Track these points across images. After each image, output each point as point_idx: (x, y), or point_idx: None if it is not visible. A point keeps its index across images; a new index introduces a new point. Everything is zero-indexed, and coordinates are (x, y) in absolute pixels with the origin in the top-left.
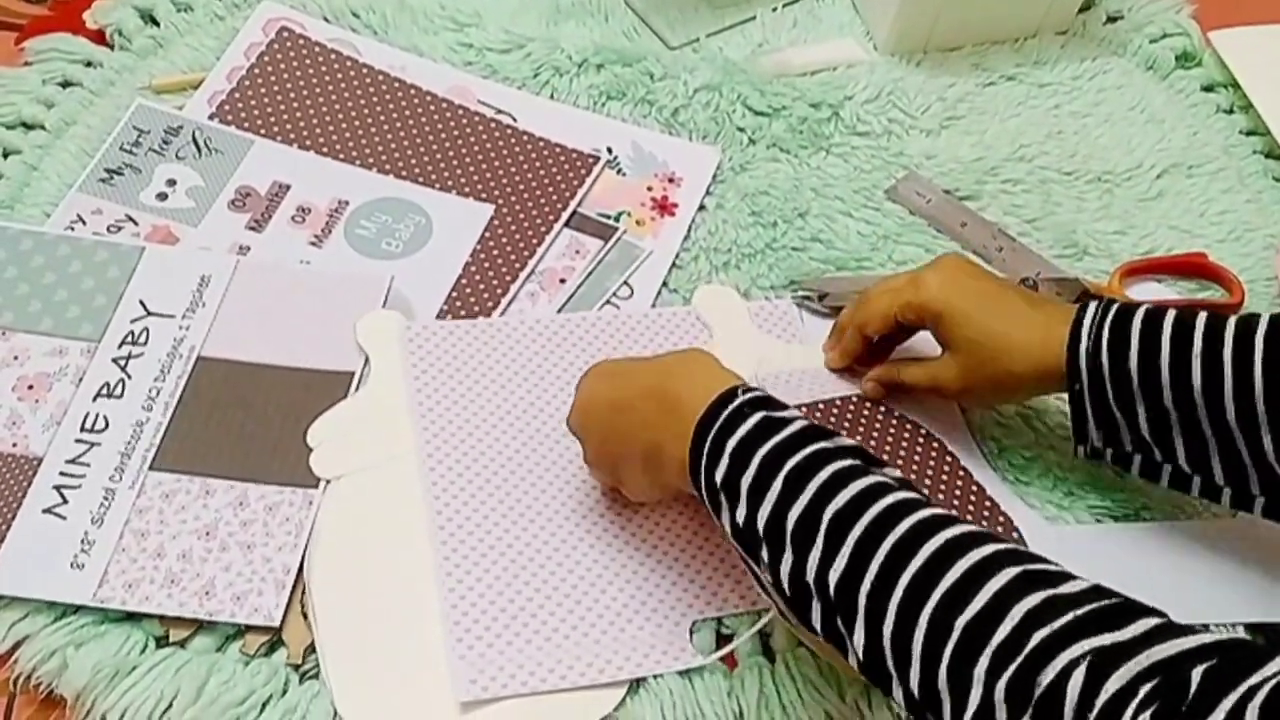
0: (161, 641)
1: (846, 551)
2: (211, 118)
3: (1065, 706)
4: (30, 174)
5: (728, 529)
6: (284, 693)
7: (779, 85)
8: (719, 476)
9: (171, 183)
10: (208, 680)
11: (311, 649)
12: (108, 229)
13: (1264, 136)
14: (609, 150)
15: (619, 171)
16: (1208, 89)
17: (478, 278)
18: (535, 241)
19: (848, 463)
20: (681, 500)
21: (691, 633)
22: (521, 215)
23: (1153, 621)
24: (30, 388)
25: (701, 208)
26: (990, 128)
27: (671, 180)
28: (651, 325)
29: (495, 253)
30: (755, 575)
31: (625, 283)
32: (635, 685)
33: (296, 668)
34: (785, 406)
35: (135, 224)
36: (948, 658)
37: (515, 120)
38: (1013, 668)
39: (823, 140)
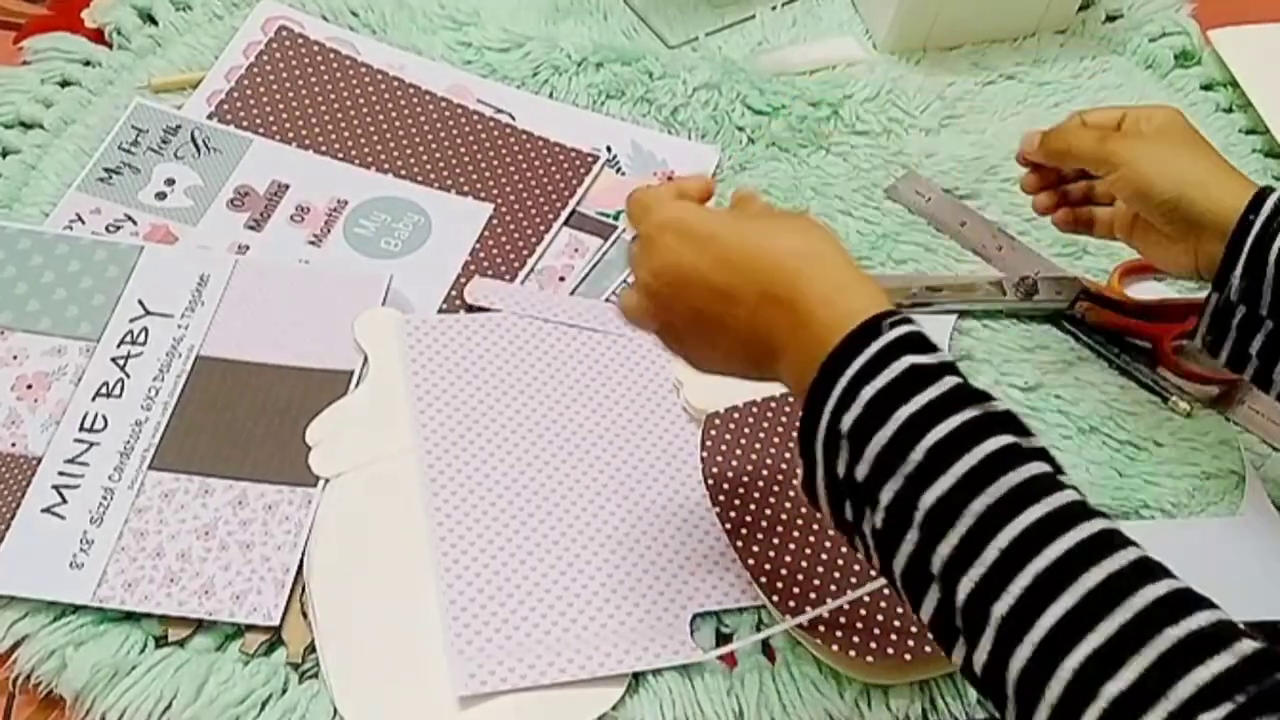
0: (161, 641)
1: (989, 559)
2: (210, 117)
3: None
4: (29, 173)
5: (838, 474)
6: (284, 692)
7: (778, 84)
8: (845, 424)
9: (170, 182)
10: (207, 680)
11: (311, 648)
12: (106, 228)
13: (1263, 135)
14: (608, 149)
15: (618, 170)
16: (1207, 88)
17: (477, 276)
18: (534, 240)
19: (1001, 442)
20: (682, 494)
21: (692, 629)
22: (520, 214)
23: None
24: (29, 387)
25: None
26: (990, 126)
27: (671, 179)
28: None
29: (494, 251)
30: (846, 529)
31: (625, 281)
32: (635, 683)
33: (296, 667)
34: (934, 347)
35: (134, 223)
36: None
37: (514, 119)
38: None
39: (822, 139)
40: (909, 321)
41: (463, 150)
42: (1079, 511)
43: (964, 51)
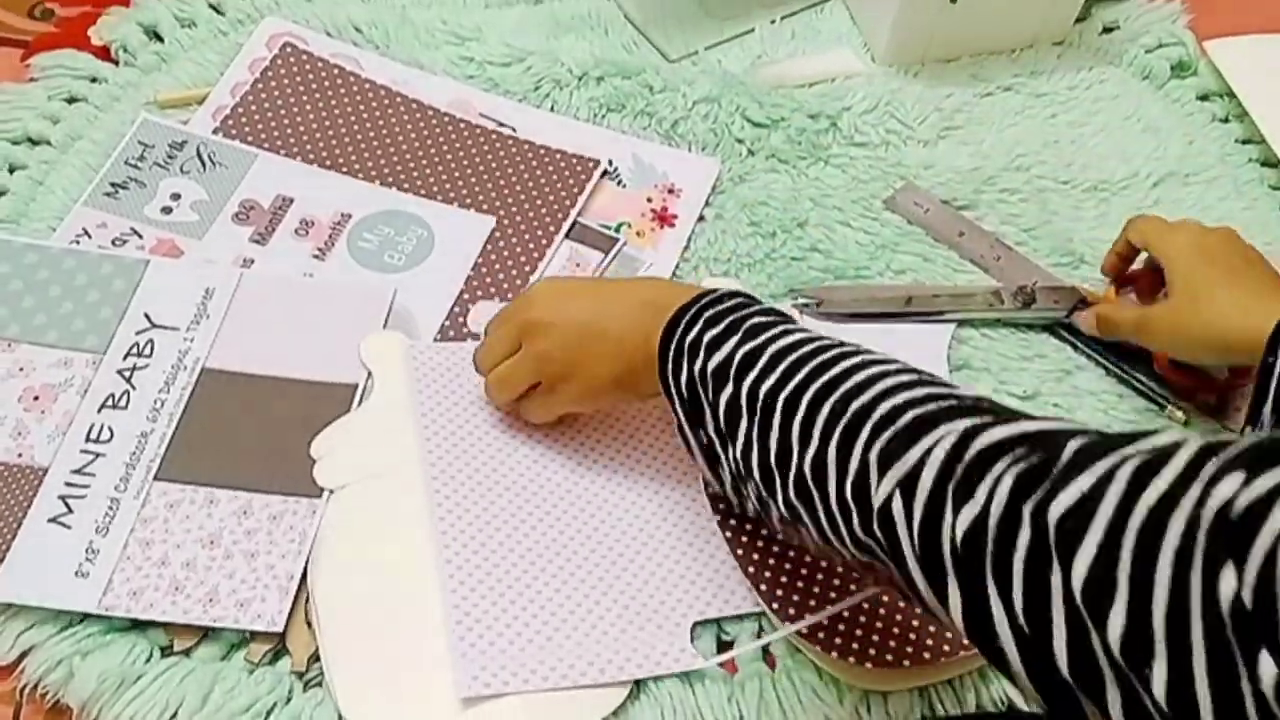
0: (166, 650)
1: (781, 369)
2: (215, 132)
3: (928, 467)
4: (36, 189)
5: (684, 380)
6: (288, 700)
7: (777, 97)
8: (690, 337)
9: (176, 196)
10: (212, 688)
11: (315, 657)
12: (113, 242)
13: (1259, 145)
14: (609, 162)
15: (619, 183)
16: (1203, 98)
17: (479, 290)
18: (536, 253)
19: (819, 340)
20: (683, 503)
21: (693, 636)
22: (523, 227)
23: (1039, 418)
24: (36, 399)
25: (701, 218)
26: (987, 138)
27: (671, 191)
28: None
29: (497, 265)
30: (692, 445)
31: None
32: (636, 689)
33: (300, 675)
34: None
35: (140, 237)
36: (837, 435)
37: (516, 132)
38: (887, 434)
39: (821, 151)
40: (731, 297)
41: (465, 164)
42: (867, 361)
43: (962, 63)
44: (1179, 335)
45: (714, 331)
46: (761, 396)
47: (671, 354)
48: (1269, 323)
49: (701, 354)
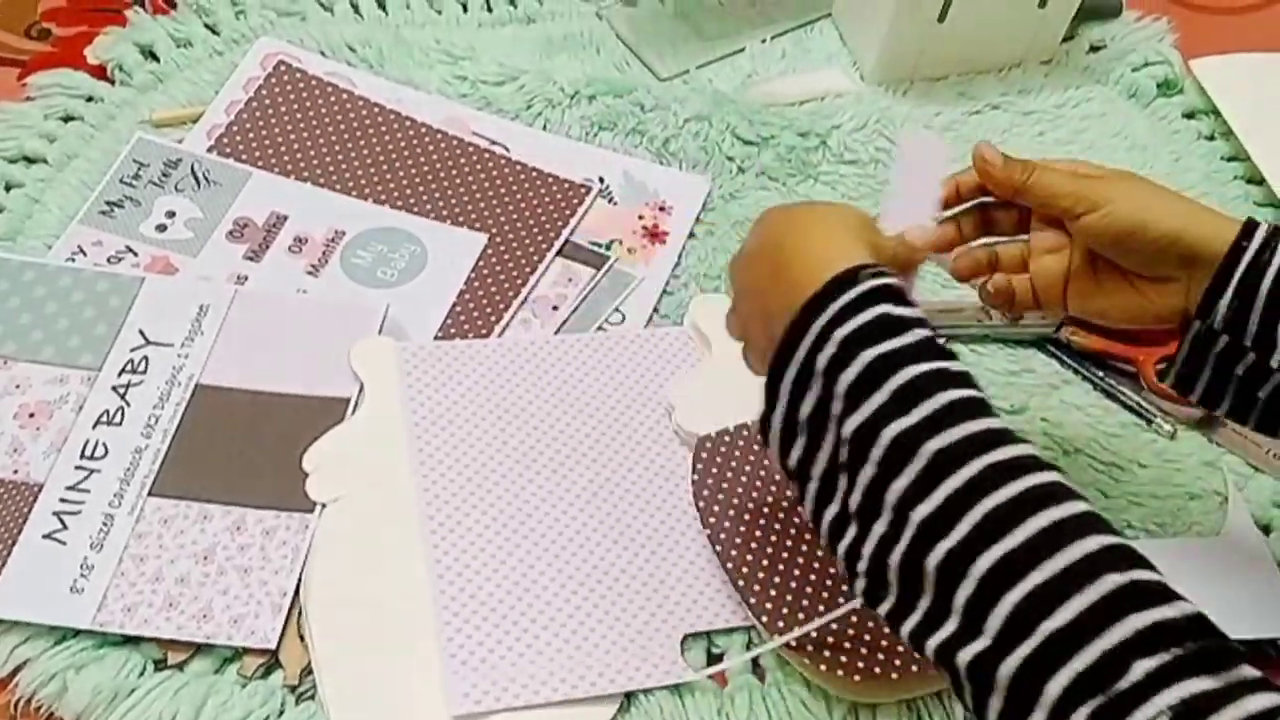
0: (160, 664)
1: (940, 497)
2: (210, 150)
3: None
4: (32, 206)
5: (799, 413)
6: (281, 714)
7: (767, 115)
8: (820, 362)
9: (171, 214)
10: (205, 702)
11: (308, 670)
12: (108, 260)
13: (1244, 162)
14: (601, 180)
15: (610, 200)
16: (1189, 116)
17: (472, 305)
18: (528, 270)
19: (963, 394)
20: (674, 516)
21: (683, 648)
22: (515, 244)
23: (1249, 672)
24: (31, 415)
25: (692, 235)
26: None
27: (662, 209)
28: (646, 344)
29: (489, 281)
30: (789, 472)
31: (617, 309)
32: (627, 702)
33: (293, 689)
34: (909, 302)
35: (135, 255)
36: (1020, 660)
37: (509, 151)
38: (1101, 700)
39: (811, 168)
40: (887, 274)
41: (458, 181)
42: (1031, 463)
43: (950, 82)
44: (1134, 207)
45: (850, 375)
46: (915, 524)
47: (799, 364)
48: (1230, 228)
49: (838, 402)
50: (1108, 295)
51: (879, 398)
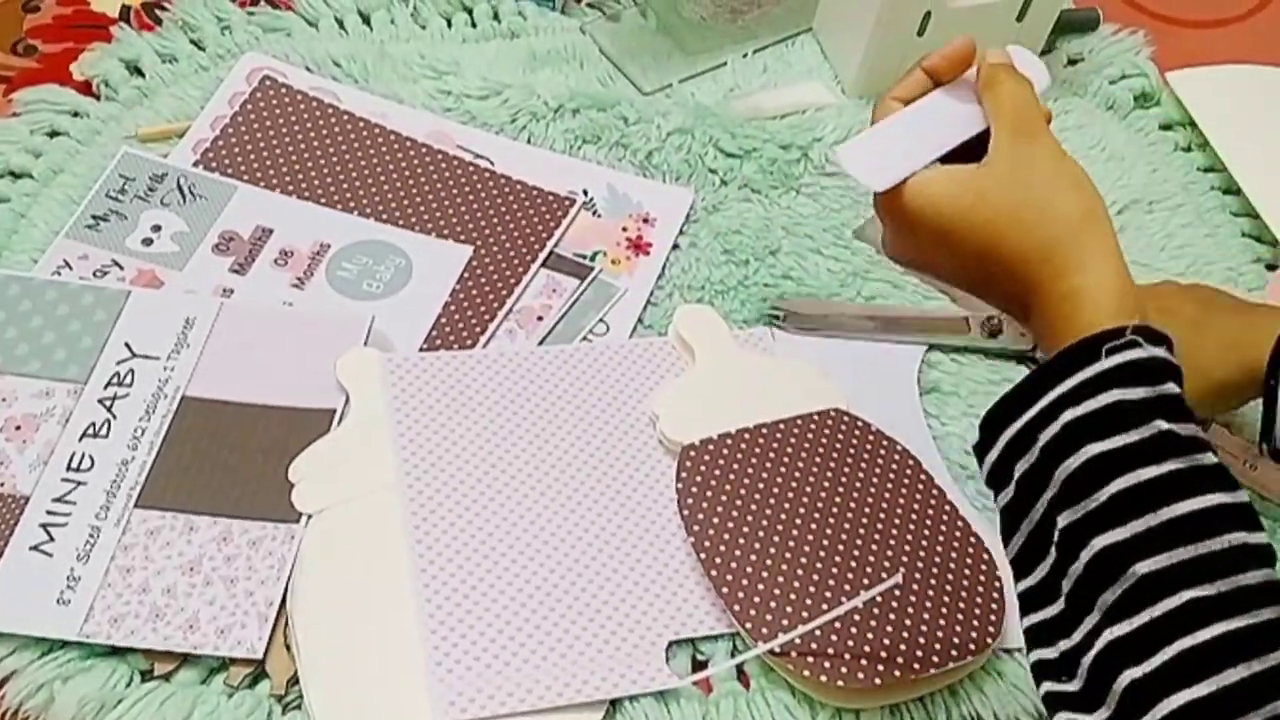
0: (146, 675)
1: (1139, 622)
2: (196, 165)
3: None
4: (18, 221)
5: (1014, 470)
6: None
7: (750, 128)
8: (1043, 438)
9: (157, 228)
10: (192, 712)
11: (294, 680)
12: (94, 274)
13: (1221, 173)
14: (585, 192)
15: (594, 213)
16: (1166, 128)
17: (457, 317)
18: (513, 281)
19: (1191, 506)
20: (658, 524)
21: (668, 655)
22: (500, 256)
23: None
24: (18, 428)
25: (675, 246)
26: None
27: (646, 220)
28: (630, 354)
29: (474, 292)
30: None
31: (601, 320)
32: (612, 709)
33: (280, 699)
34: (1154, 378)
35: (121, 268)
36: None
37: (493, 164)
38: None
39: (793, 180)
40: (1135, 346)
41: (443, 194)
42: (1240, 601)
43: None
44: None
45: (1070, 467)
46: (1108, 640)
47: (1014, 434)
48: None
49: (1053, 488)
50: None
51: (1092, 503)
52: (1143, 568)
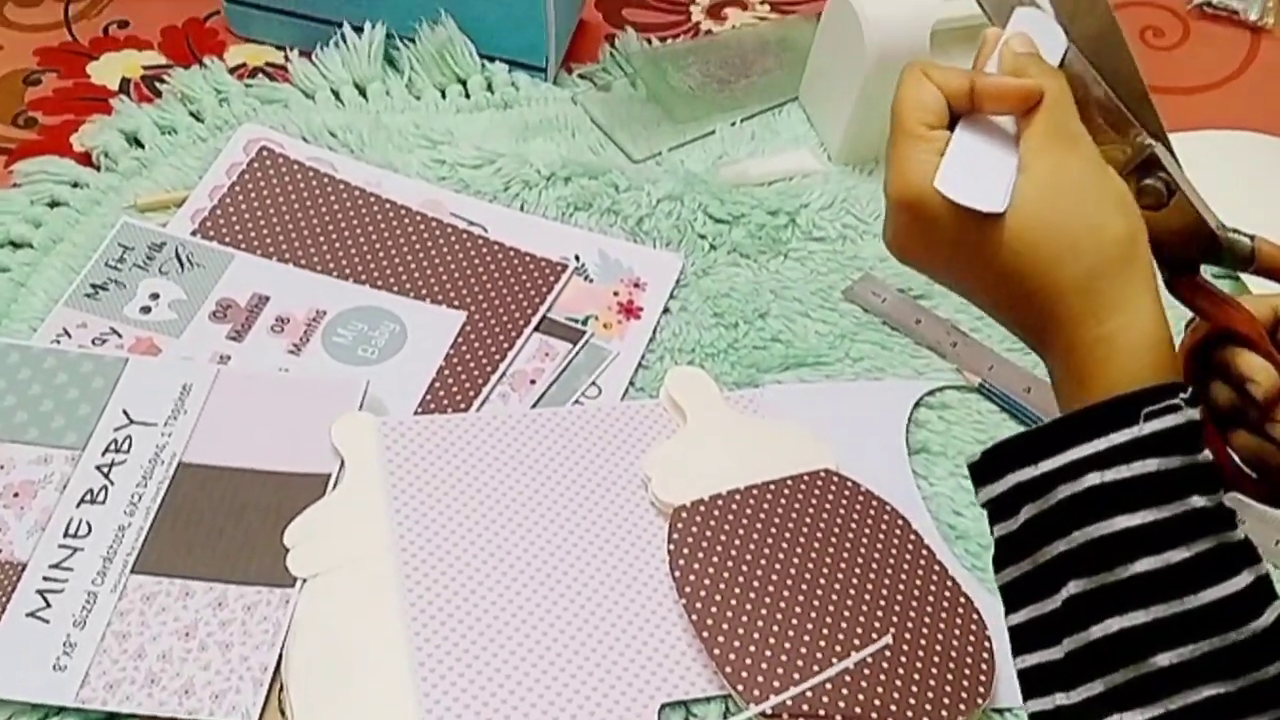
0: None
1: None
2: (194, 234)
3: None
4: (18, 290)
5: (1020, 514)
6: None
7: (738, 194)
8: (1062, 493)
9: (155, 296)
10: None
11: None
12: (93, 341)
13: None
14: (576, 258)
15: (586, 278)
16: None
17: (451, 381)
18: (506, 345)
19: (1220, 592)
20: (650, 586)
21: (660, 717)
22: (493, 321)
23: None
24: (15, 495)
25: (666, 310)
26: None
27: (637, 285)
28: (621, 416)
29: (468, 357)
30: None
31: (593, 383)
32: None
33: None
34: (1189, 447)
35: (119, 336)
36: None
37: (487, 231)
38: None
39: (781, 245)
40: (1173, 411)
41: (437, 261)
42: (1274, 691)
43: None
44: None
45: (1092, 532)
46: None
47: (1031, 479)
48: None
49: (1064, 550)
50: None
51: (1111, 577)
52: (1163, 660)
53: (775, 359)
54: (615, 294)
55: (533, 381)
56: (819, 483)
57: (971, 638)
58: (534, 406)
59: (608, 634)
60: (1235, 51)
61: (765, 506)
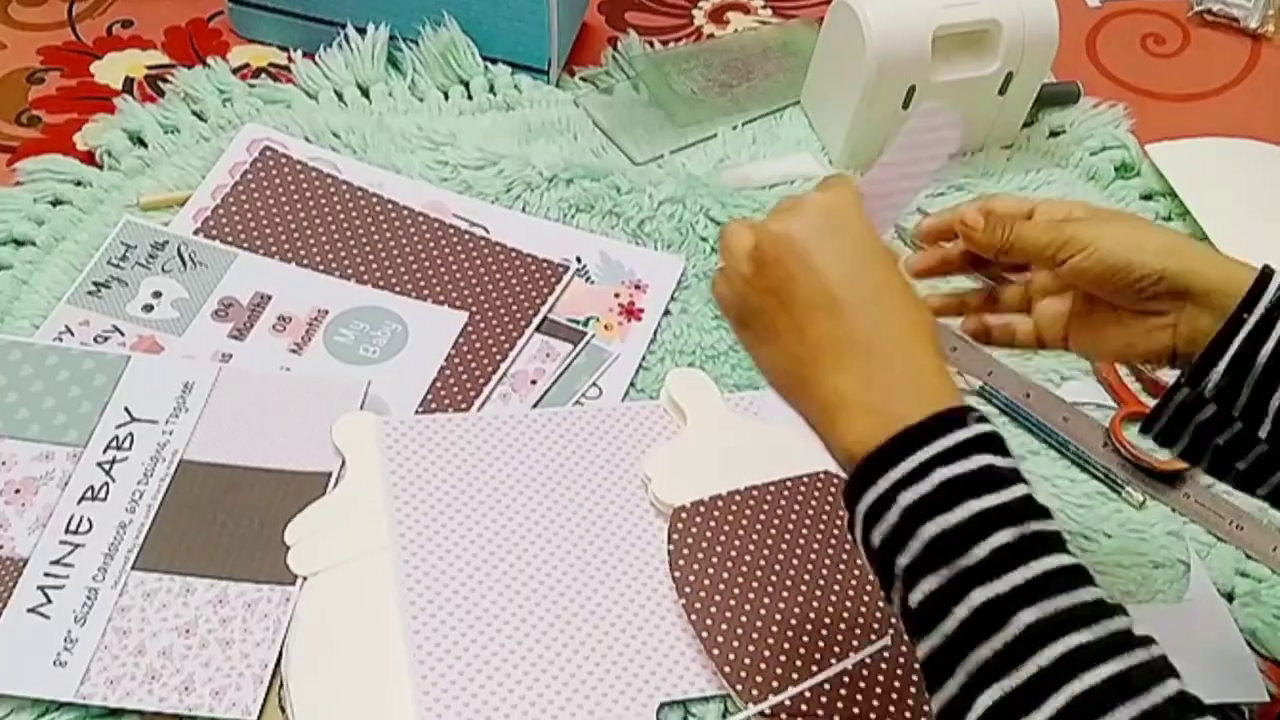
0: None
1: (1027, 673)
2: (196, 233)
3: None
4: (20, 288)
5: (872, 542)
6: None
7: (739, 198)
8: (906, 499)
9: (157, 294)
10: None
11: None
12: (95, 339)
13: (1201, 241)
14: (578, 259)
15: (588, 279)
16: (1146, 198)
17: (452, 381)
18: (507, 346)
19: (1061, 561)
20: (650, 586)
21: (658, 717)
22: (494, 322)
23: None
24: (17, 491)
25: (667, 312)
26: None
27: (638, 287)
28: (622, 418)
29: (469, 357)
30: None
31: (594, 384)
32: None
33: None
34: (1009, 453)
35: (122, 334)
36: None
37: (489, 232)
38: None
39: None
40: (988, 422)
41: (439, 262)
42: (1123, 640)
43: None
44: (1117, 246)
45: (946, 522)
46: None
47: (872, 501)
48: (1221, 264)
49: (899, 580)
50: (1100, 332)
51: (974, 555)
52: (1027, 616)
53: None
54: (616, 296)
55: (533, 382)
56: (818, 484)
57: None
58: (534, 407)
59: (607, 633)
60: (1235, 59)
61: (765, 507)
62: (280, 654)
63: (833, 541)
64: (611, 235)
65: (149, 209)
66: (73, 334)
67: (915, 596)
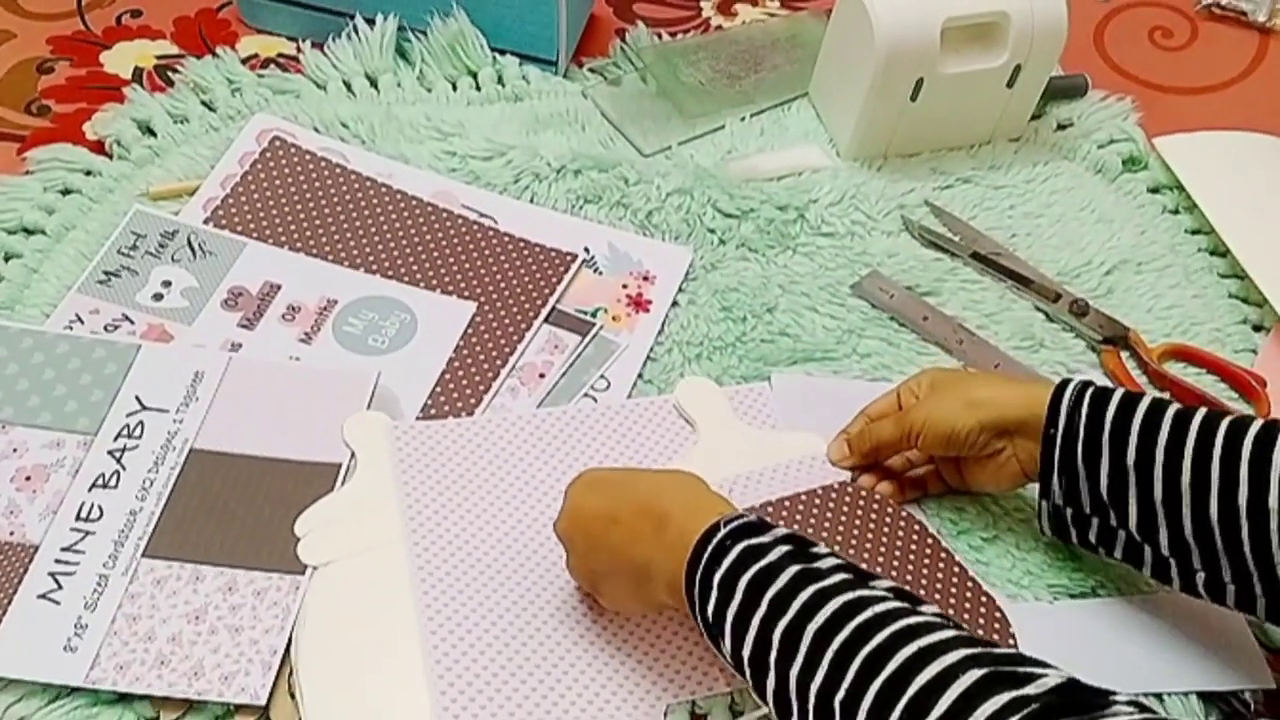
0: None
1: (826, 662)
2: (206, 222)
3: None
4: (31, 276)
5: (726, 654)
6: None
7: (747, 189)
8: (710, 610)
9: (167, 284)
10: None
11: None
12: (105, 328)
13: (1208, 235)
14: (586, 250)
15: (596, 270)
16: (1154, 190)
17: (460, 372)
18: (516, 338)
19: (832, 580)
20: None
21: (666, 716)
22: (503, 312)
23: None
24: (28, 478)
25: (674, 304)
26: None
27: (646, 278)
28: (631, 416)
29: (477, 348)
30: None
31: (602, 375)
32: None
33: None
34: (768, 528)
35: (132, 323)
36: None
37: (497, 223)
38: None
39: (789, 240)
40: (743, 516)
41: (448, 252)
42: (886, 615)
43: (923, 158)
44: (939, 421)
45: (734, 606)
46: (814, 697)
47: (700, 621)
48: (1018, 393)
49: (729, 634)
50: (968, 476)
51: (760, 612)
52: (813, 625)
53: (783, 353)
54: (624, 287)
55: (542, 375)
56: (833, 494)
57: (996, 636)
58: (544, 399)
59: (617, 632)
60: (1243, 52)
61: (783, 517)
62: (290, 641)
63: (851, 547)
64: (619, 226)
65: (158, 198)
66: (83, 322)
67: (745, 659)
